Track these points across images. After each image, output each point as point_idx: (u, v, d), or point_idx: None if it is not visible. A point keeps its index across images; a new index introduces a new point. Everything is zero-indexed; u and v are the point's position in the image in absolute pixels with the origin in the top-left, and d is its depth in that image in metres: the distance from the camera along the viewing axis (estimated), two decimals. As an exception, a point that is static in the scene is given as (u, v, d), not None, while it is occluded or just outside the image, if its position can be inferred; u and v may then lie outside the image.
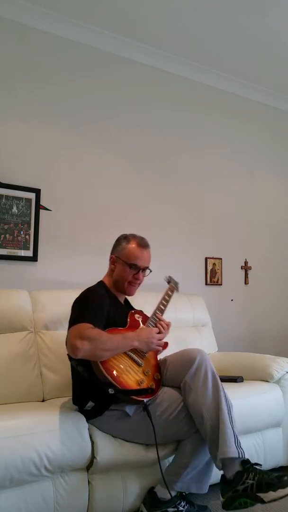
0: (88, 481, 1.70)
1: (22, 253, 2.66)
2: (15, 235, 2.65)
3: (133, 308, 2.10)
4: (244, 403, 1.95)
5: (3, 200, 2.63)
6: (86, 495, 1.68)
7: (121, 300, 2.08)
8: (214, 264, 3.46)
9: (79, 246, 2.87)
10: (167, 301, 2.09)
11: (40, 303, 2.35)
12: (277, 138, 3.97)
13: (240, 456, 1.63)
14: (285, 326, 3.79)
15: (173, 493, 1.76)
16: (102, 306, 1.84)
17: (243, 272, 3.66)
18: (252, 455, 2.13)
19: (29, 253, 2.69)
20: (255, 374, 2.40)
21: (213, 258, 3.45)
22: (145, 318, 1.99)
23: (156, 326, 1.92)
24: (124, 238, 2.05)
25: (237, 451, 1.63)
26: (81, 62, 3.00)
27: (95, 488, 1.70)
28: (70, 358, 1.83)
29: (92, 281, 2.87)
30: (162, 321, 1.96)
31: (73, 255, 2.85)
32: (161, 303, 2.06)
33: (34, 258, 2.69)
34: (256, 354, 2.65)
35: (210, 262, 3.44)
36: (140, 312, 2.05)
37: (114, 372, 1.68)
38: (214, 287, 3.45)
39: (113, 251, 2.07)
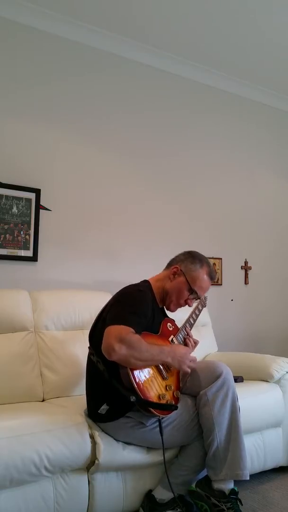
0: (88, 481, 1.70)
1: (22, 253, 2.67)
2: (15, 235, 2.65)
3: (166, 315, 2.01)
4: (244, 403, 1.95)
5: (3, 200, 2.63)
6: (86, 495, 1.68)
7: (159, 305, 1.99)
8: (214, 264, 3.45)
9: (79, 246, 2.87)
10: (197, 316, 2.04)
11: (40, 303, 2.34)
12: (277, 138, 3.97)
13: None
14: (285, 326, 3.79)
15: (175, 494, 1.76)
16: (147, 312, 1.76)
17: (243, 272, 3.66)
18: (252, 455, 2.14)
19: (29, 253, 2.69)
20: (255, 374, 2.40)
21: (213, 258, 3.44)
22: (176, 330, 1.93)
23: (185, 342, 1.89)
24: (199, 260, 1.95)
25: (248, 474, 1.74)
26: (80, 62, 3.00)
27: (95, 488, 1.70)
28: (92, 353, 1.80)
29: (91, 281, 2.92)
30: (191, 337, 1.92)
31: (73, 255, 2.85)
32: (191, 316, 2.00)
33: (34, 258, 2.69)
34: (256, 354, 2.65)
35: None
36: (172, 322, 1.96)
37: (140, 381, 1.63)
38: (214, 287, 3.45)
39: (179, 263, 1.96)
